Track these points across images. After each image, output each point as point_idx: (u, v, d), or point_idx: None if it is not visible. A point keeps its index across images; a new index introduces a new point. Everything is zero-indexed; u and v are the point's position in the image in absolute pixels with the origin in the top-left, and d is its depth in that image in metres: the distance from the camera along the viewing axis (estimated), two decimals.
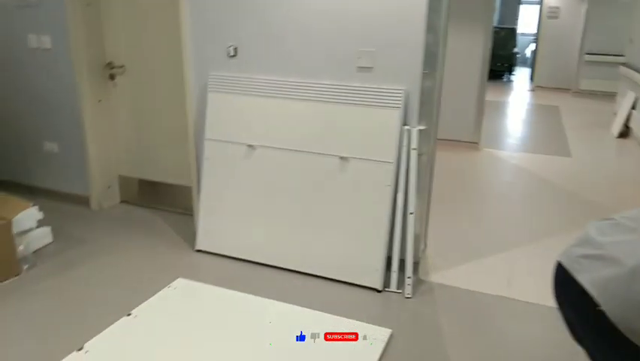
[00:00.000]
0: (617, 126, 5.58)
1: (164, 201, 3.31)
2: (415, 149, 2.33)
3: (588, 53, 7.84)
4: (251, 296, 2.32)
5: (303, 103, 2.49)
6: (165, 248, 2.80)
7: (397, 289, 2.42)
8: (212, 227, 2.73)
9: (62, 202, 3.36)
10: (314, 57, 2.45)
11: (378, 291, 2.40)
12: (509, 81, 9.85)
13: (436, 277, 2.57)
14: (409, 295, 2.37)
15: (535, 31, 9.91)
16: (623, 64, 6.17)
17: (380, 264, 2.40)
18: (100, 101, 3.20)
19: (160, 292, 2.33)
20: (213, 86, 2.68)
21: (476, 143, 5.00)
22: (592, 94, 7.96)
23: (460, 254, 2.81)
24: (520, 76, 10.29)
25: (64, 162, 3.34)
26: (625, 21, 6.81)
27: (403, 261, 2.43)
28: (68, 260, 2.65)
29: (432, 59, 2.27)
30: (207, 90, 2.69)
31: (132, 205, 3.38)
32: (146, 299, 2.26)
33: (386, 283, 2.42)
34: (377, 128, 2.35)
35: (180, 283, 2.42)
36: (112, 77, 3.21)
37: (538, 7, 9.43)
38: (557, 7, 8.57)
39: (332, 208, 2.47)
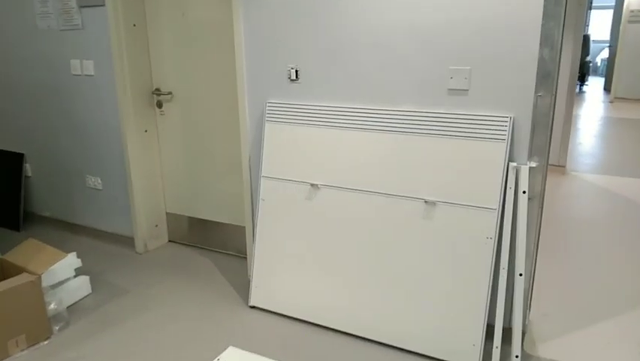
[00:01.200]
0: None
1: (215, 242, 2.94)
2: (525, 192, 1.84)
3: None
4: None
5: (379, 134, 2.05)
6: (216, 302, 2.41)
7: None
8: (269, 279, 2.32)
9: (105, 242, 3.06)
10: (392, 78, 2.01)
11: None
12: (582, 92, 9.05)
13: (544, 350, 2.04)
14: None
15: (608, 37, 9.10)
16: None
17: (478, 337, 1.90)
18: (146, 131, 2.88)
19: None
20: (271, 114, 2.29)
21: (562, 166, 4.39)
22: None
23: (569, 316, 2.26)
24: (593, 86, 9.45)
25: (107, 197, 3.04)
26: None
27: (504, 330, 1.93)
28: (106, 317, 2.30)
29: (546, 78, 1.77)
30: (264, 120, 2.30)
31: (180, 245, 3.04)
32: None
33: (485, 359, 1.92)
34: (474, 166, 1.88)
35: (232, 355, 2.01)
36: (159, 104, 2.89)
37: (611, 11, 8.66)
38: None
39: (415, 265, 2.00)
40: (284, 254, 2.28)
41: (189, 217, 3.00)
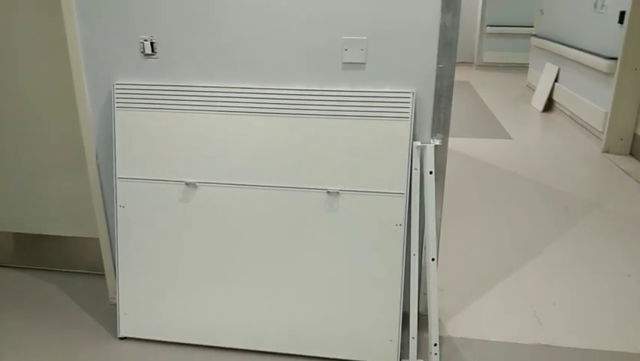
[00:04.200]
0: (540, 100, 5.44)
1: (57, 260, 2.37)
2: (431, 172, 1.71)
3: (490, 25, 7.77)
4: None
5: (266, 119, 1.74)
6: (75, 339, 1.91)
7: (418, 359, 1.81)
8: (141, 302, 1.90)
9: None
10: (276, 51, 1.71)
11: None
12: None
13: (454, 328, 2.00)
14: None
15: None
16: (534, 35, 6.07)
17: (395, 331, 1.76)
18: None
19: None
20: (123, 100, 1.82)
21: None
22: (496, 66, 7.94)
23: (462, 288, 2.27)
24: None
25: None
26: None
27: (418, 317, 1.82)
28: None
29: (448, 48, 1.64)
30: (114, 107, 1.82)
31: (9, 269, 2.39)
32: None
33: (402, 352, 1.80)
34: (377, 148, 1.69)
35: None
36: None
37: None
38: None
39: (321, 264, 1.77)
40: (159, 270, 1.87)
41: (15, 233, 2.36)
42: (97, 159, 1.95)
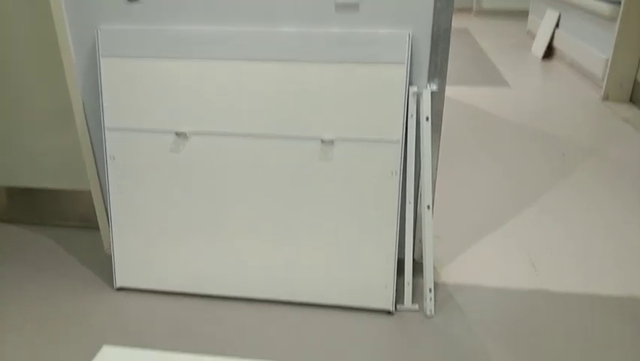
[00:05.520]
0: (539, 47, 5.32)
1: (50, 214, 2.36)
2: (428, 119, 1.67)
3: None
4: (219, 359, 1.59)
5: (256, 64, 1.68)
6: (72, 290, 1.92)
7: (413, 304, 1.82)
8: (136, 253, 1.90)
9: None
10: None
11: (390, 313, 1.79)
12: None
13: (447, 275, 2.01)
14: (431, 314, 1.79)
15: None
16: None
17: (390, 278, 1.77)
18: None
19: None
20: (108, 46, 1.75)
21: None
22: (495, 13, 7.73)
23: (458, 235, 2.27)
24: None
25: None
26: None
27: (413, 264, 1.83)
28: None
29: None
30: (99, 54, 1.76)
31: (2, 224, 2.38)
32: None
33: (397, 297, 1.81)
34: (372, 94, 1.64)
35: (108, 356, 1.61)
36: None
37: None
38: None
39: (316, 213, 1.76)
40: (152, 220, 1.86)
41: (8, 188, 2.33)
42: (84, 109, 1.89)
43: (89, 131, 1.93)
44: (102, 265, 2.05)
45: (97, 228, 2.22)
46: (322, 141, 1.68)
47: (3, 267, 2.07)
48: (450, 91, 4.33)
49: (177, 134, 1.76)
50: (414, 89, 1.65)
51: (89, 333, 1.72)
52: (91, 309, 1.84)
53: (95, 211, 2.13)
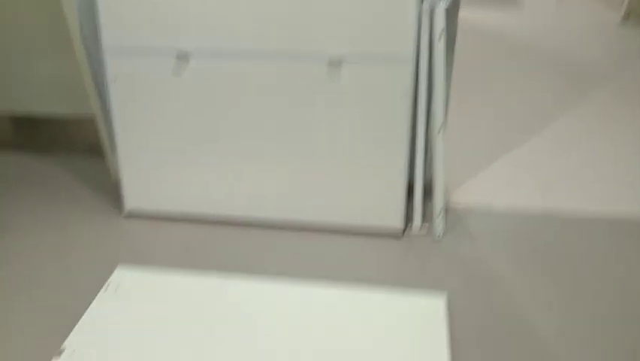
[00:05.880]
0: None
1: (55, 141, 2.34)
2: (441, 38, 1.59)
3: None
4: (230, 281, 1.61)
5: None
6: (83, 217, 1.94)
7: (422, 227, 1.83)
8: (144, 179, 1.89)
9: None
10: None
11: (398, 236, 1.80)
12: None
13: (458, 198, 2.00)
14: (440, 236, 1.79)
15: None
16: None
17: (400, 200, 1.76)
18: None
19: (95, 301, 1.55)
20: None
21: None
22: None
23: (469, 158, 2.25)
24: None
25: None
26: None
27: (423, 186, 1.81)
28: None
29: None
30: None
31: (7, 153, 2.37)
32: (79, 318, 1.49)
33: (406, 220, 1.82)
34: (383, 10, 1.55)
35: (122, 276, 1.64)
36: None
37: None
38: None
39: (325, 135, 1.72)
40: (158, 145, 1.83)
41: (12, 118, 2.30)
42: (81, 29, 1.82)
43: (88, 53, 1.86)
44: (110, 192, 2.05)
45: (103, 155, 2.20)
46: (330, 60, 1.62)
47: (11, 195, 2.08)
48: (462, 12, 4.14)
49: (179, 56, 1.69)
50: (426, 5, 1.56)
51: (101, 257, 1.75)
52: (102, 235, 1.86)
53: (100, 138, 2.10)
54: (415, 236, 1.80)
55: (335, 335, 1.40)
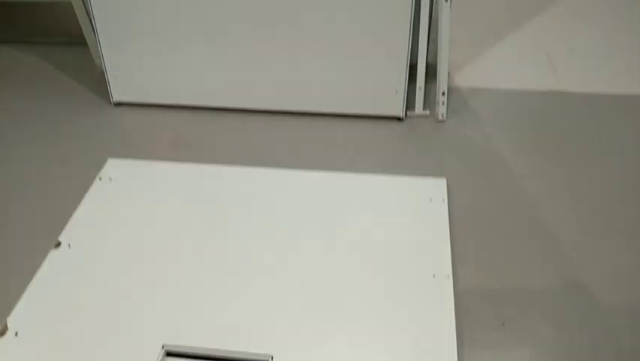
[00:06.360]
0: None
1: (32, 30, 2.18)
2: None
3: None
4: (225, 168, 1.56)
5: None
6: (70, 108, 1.85)
7: (424, 109, 1.74)
8: (130, 66, 1.78)
9: None
10: None
11: (400, 119, 1.72)
12: None
13: (463, 79, 1.89)
14: (443, 118, 1.71)
15: None
16: None
17: (401, 83, 1.66)
18: None
19: (88, 194, 1.51)
20: None
21: None
22: None
23: (474, 36, 2.10)
24: None
25: None
26: None
27: (427, 69, 1.70)
28: None
29: None
30: None
31: None
32: (74, 210, 1.46)
33: (408, 104, 1.73)
34: None
35: (114, 168, 1.59)
36: None
37: None
38: None
39: (319, 13, 1.58)
40: (144, 29, 1.70)
41: None
42: None
43: None
44: (96, 82, 1.94)
45: (85, 43, 2.06)
46: None
47: None
48: None
49: None
50: None
51: (92, 149, 1.69)
52: (91, 126, 1.78)
53: (79, 24, 1.95)
54: (417, 118, 1.72)
55: (336, 218, 1.38)
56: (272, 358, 1.08)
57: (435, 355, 1.07)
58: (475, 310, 1.17)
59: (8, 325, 1.17)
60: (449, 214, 1.37)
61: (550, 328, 1.14)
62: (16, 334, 1.15)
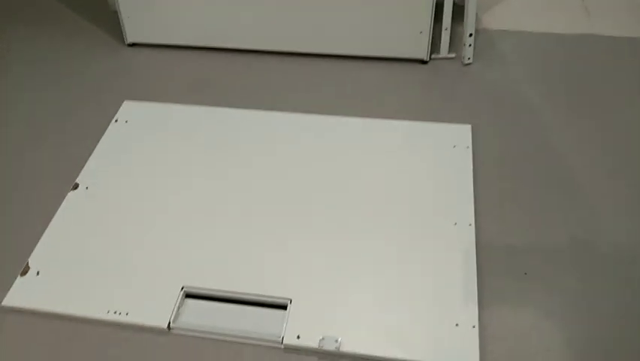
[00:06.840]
0: None
1: None
2: None
3: None
4: (246, 112, 1.53)
5: None
6: (85, 49, 1.80)
7: (450, 52, 1.67)
8: (144, 4, 1.71)
9: None
10: None
11: (424, 62, 1.65)
12: None
13: (491, 20, 1.80)
14: (469, 61, 1.64)
15: None
16: None
17: (426, 23, 1.58)
18: None
19: (104, 136, 1.49)
20: None
21: None
22: None
23: None
24: None
25: None
26: None
27: (454, 9, 1.62)
28: None
29: None
30: None
31: None
32: (90, 152, 1.44)
33: (433, 46, 1.65)
34: None
35: (130, 110, 1.56)
36: None
37: None
38: None
39: None
40: None
41: None
42: None
43: None
44: (110, 23, 1.87)
45: None
46: None
47: (8, 29, 1.92)
48: None
49: None
50: None
51: (106, 91, 1.65)
52: (105, 67, 1.74)
53: None
54: (441, 61, 1.65)
55: (356, 164, 1.35)
56: (290, 301, 1.08)
57: (456, 303, 1.06)
58: (497, 259, 1.15)
59: (30, 264, 1.18)
60: (473, 161, 1.33)
61: (573, 278, 1.12)
62: (38, 273, 1.17)
